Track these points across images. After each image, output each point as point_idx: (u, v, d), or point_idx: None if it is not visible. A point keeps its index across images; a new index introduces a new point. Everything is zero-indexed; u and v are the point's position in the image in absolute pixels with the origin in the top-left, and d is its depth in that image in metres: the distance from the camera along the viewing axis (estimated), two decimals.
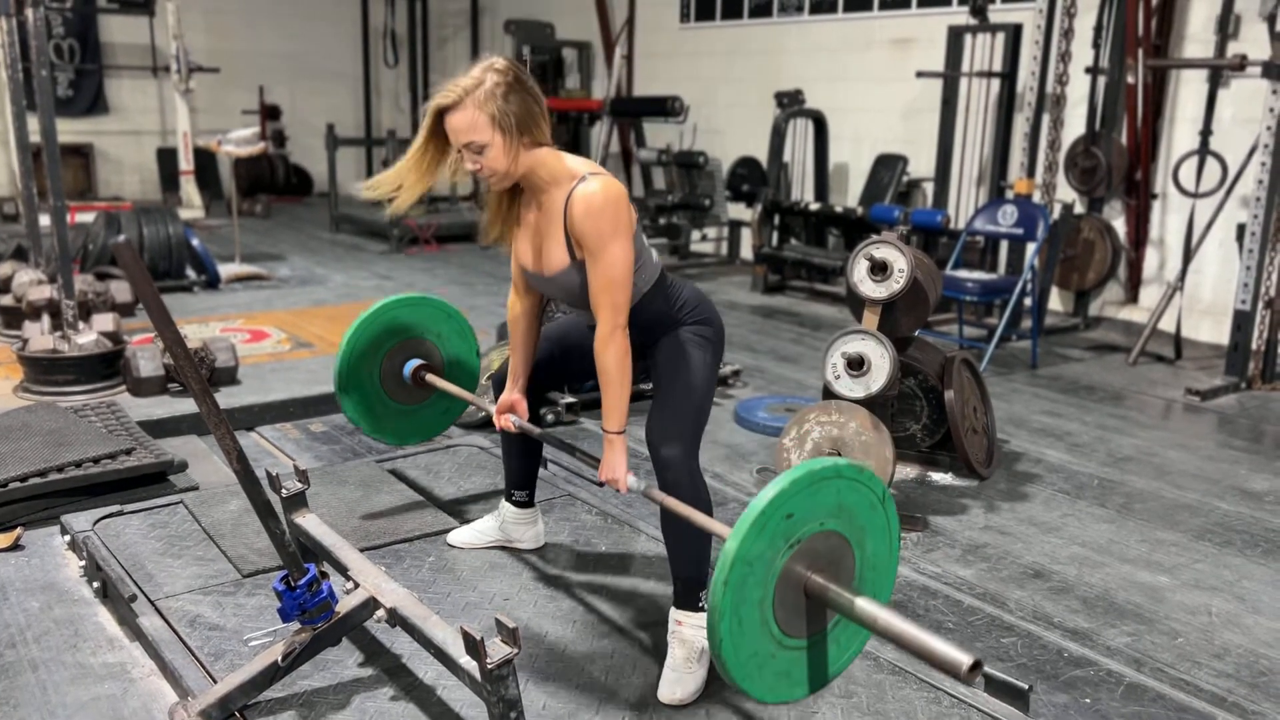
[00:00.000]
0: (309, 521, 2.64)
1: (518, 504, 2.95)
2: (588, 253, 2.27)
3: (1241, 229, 5.17)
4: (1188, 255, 5.67)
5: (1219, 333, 5.94)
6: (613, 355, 2.28)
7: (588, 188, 2.24)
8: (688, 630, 2.38)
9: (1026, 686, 2.30)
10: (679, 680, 2.33)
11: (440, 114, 2.26)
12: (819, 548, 1.78)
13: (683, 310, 2.45)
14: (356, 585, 2.34)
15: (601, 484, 3.47)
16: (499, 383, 2.78)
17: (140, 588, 2.68)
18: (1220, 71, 5.77)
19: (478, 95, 2.21)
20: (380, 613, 2.27)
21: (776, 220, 7.56)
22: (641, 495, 2.30)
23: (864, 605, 1.73)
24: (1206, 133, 5.76)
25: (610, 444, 2.36)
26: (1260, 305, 5.12)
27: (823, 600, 1.78)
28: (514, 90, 2.23)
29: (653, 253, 2.45)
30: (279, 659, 2.18)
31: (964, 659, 1.57)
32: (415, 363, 3.13)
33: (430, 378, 3.11)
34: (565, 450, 2.59)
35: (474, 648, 1.91)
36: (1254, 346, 5.17)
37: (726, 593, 1.66)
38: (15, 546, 3.04)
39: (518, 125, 2.23)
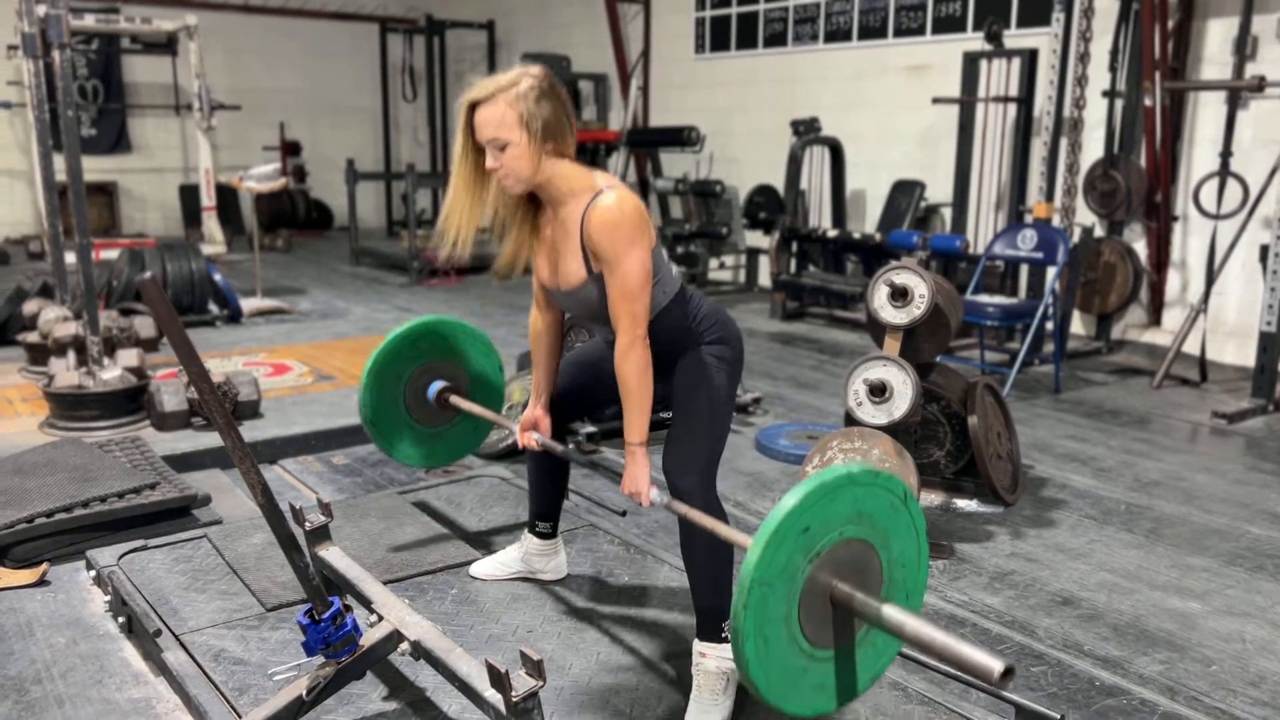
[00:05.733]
0: (332, 554, 2.64)
1: (541, 535, 2.94)
2: (605, 265, 2.25)
3: (1265, 250, 5.14)
4: (1210, 277, 5.63)
5: (1244, 355, 5.88)
6: (633, 366, 2.27)
7: (604, 200, 2.23)
8: (711, 661, 2.36)
9: (1058, 716, 2.26)
10: (704, 712, 2.30)
11: (472, 108, 2.27)
12: (842, 556, 1.75)
13: (701, 325, 2.43)
14: (380, 618, 2.34)
15: (623, 513, 3.49)
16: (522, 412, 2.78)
17: (165, 622, 2.68)
18: (1239, 93, 5.75)
19: (510, 94, 2.22)
20: (404, 646, 2.27)
21: (794, 247, 7.57)
22: (665, 508, 2.28)
23: (891, 612, 1.70)
24: (1226, 154, 5.74)
25: (632, 456, 2.33)
26: None
27: (849, 609, 1.76)
28: (546, 96, 2.24)
29: (672, 267, 2.44)
30: (303, 693, 2.18)
31: (996, 665, 1.55)
32: (439, 385, 3.10)
33: (454, 399, 3.09)
34: (589, 467, 2.58)
35: (499, 681, 1.90)
36: None
37: (748, 615, 1.64)
38: (41, 582, 3.06)
39: (544, 130, 2.23)
